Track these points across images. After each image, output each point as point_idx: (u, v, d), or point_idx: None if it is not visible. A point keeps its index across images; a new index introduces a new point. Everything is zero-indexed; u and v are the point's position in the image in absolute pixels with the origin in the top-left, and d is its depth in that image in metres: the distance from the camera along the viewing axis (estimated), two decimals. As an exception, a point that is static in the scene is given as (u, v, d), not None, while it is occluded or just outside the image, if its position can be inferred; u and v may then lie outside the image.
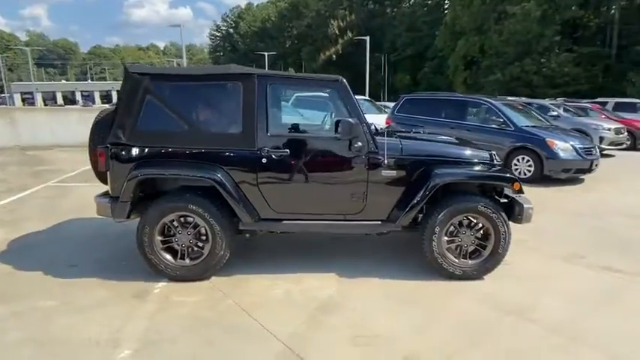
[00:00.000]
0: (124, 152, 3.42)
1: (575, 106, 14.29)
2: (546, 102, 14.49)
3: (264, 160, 3.43)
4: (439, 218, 3.50)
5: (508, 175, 3.64)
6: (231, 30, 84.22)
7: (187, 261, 3.52)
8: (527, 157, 7.90)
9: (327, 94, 3.78)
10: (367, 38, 32.50)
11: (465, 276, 3.60)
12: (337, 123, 3.53)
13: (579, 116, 12.93)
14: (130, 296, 3.28)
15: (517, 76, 31.77)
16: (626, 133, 12.28)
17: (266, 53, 51.11)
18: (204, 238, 3.51)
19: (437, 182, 3.44)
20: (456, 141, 4.20)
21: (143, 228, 3.42)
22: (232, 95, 3.48)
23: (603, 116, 13.70)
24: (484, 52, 36.13)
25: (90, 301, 3.20)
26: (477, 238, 3.61)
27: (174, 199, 3.43)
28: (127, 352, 2.57)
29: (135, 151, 3.42)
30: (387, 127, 9.16)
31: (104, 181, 3.89)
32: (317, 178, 3.54)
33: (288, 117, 4.60)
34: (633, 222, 5.45)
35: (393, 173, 3.54)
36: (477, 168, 3.66)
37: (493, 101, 8.92)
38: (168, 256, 3.51)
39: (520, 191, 3.59)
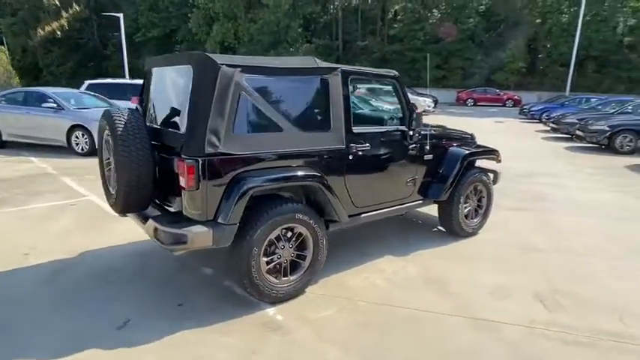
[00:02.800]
0: (220, 164, 2.75)
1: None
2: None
3: (350, 157, 3.41)
4: (463, 189, 4.31)
5: (494, 148, 4.77)
6: None
7: (291, 277, 3.17)
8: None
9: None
10: (121, 15, 28.85)
11: (473, 233, 4.58)
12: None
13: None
14: (266, 331, 2.77)
15: (274, 63, 35.06)
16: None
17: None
18: (291, 247, 3.22)
19: (466, 160, 4.23)
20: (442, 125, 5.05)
21: (251, 251, 2.88)
22: (320, 91, 3.25)
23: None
24: (239, 38, 37.92)
25: (231, 352, 2.55)
26: (476, 201, 4.62)
27: (282, 210, 3.00)
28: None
29: (233, 161, 2.80)
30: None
31: (125, 209, 2.97)
32: (389, 168, 3.77)
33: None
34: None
35: (431, 157, 4.12)
36: (476, 146, 4.64)
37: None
38: (271, 277, 3.07)
39: (499, 161, 4.78)
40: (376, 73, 3.74)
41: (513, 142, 12.17)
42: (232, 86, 2.76)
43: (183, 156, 2.69)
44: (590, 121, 12.07)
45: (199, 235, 2.71)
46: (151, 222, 2.88)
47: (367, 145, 3.50)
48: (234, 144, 2.79)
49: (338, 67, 3.33)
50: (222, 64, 2.73)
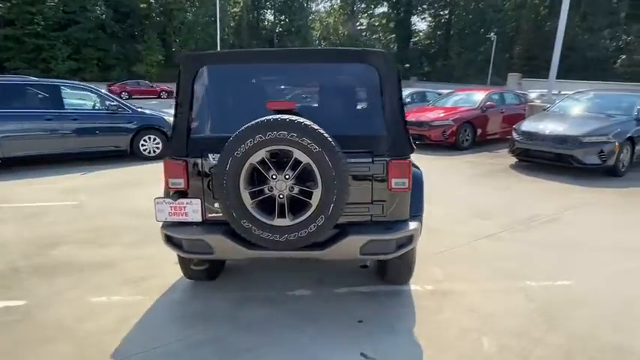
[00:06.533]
0: (408, 159, 2.82)
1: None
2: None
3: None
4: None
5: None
6: None
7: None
8: (153, 136, 8.56)
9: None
10: None
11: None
12: None
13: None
14: (447, 297, 3.13)
15: None
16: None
17: None
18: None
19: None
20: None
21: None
22: None
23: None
24: None
25: (461, 316, 2.86)
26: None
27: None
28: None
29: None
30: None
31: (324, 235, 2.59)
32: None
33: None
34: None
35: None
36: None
37: (93, 86, 8.44)
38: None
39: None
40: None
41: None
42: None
43: (397, 157, 2.60)
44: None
45: (418, 232, 2.75)
46: (356, 237, 2.57)
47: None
48: None
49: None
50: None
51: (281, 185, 2.37)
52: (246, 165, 2.34)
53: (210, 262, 3.18)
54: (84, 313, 2.94)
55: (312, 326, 2.79)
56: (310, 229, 2.40)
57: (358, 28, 42.48)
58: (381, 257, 2.68)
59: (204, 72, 2.67)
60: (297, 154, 2.32)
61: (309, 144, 2.28)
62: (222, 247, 2.60)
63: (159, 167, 8.23)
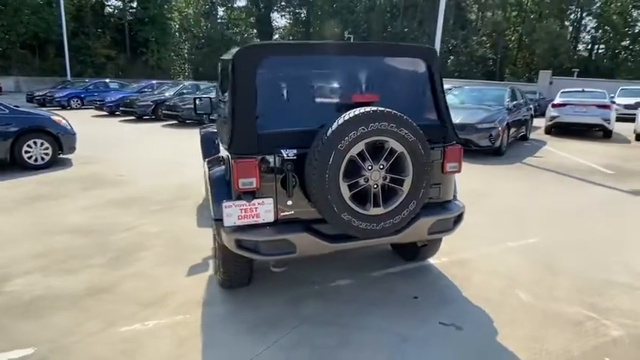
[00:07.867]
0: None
1: None
2: None
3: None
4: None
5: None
6: None
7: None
8: (40, 141, 7.09)
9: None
10: None
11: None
12: None
13: None
14: (464, 265, 3.55)
15: None
16: None
17: None
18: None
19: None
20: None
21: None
22: None
23: None
24: None
25: (491, 276, 3.31)
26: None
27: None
28: None
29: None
30: None
31: None
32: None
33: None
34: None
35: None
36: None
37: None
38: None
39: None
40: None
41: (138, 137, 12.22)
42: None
43: (450, 143, 2.86)
44: (137, 99, 15.29)
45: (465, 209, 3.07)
46: (426, 219, 2.76)
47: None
48: None
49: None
50: (434, 55, 3.00)
51: (376, 175, 2.43)
52: (346, 157, 2.34)
53: (251, 264, 3.00)
54: (126, 345, 2.51)
55: (376, 309, 2.91)
56: (403, 214, 2.52)
57: (219, 21, 41.18)
58: (444, 235, 2.93)
59: (266, 64, 2.51)
60: (393, 143, 2.41)
61: (406, 134, 2.39)
62: (306, 244, 2.53)
63: (56, 177, 7.17)
